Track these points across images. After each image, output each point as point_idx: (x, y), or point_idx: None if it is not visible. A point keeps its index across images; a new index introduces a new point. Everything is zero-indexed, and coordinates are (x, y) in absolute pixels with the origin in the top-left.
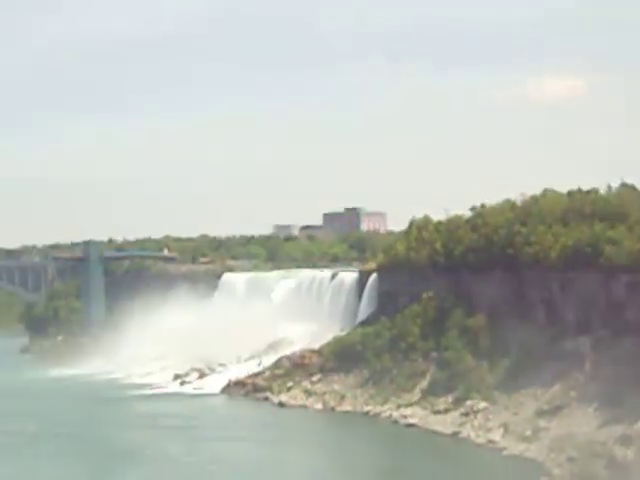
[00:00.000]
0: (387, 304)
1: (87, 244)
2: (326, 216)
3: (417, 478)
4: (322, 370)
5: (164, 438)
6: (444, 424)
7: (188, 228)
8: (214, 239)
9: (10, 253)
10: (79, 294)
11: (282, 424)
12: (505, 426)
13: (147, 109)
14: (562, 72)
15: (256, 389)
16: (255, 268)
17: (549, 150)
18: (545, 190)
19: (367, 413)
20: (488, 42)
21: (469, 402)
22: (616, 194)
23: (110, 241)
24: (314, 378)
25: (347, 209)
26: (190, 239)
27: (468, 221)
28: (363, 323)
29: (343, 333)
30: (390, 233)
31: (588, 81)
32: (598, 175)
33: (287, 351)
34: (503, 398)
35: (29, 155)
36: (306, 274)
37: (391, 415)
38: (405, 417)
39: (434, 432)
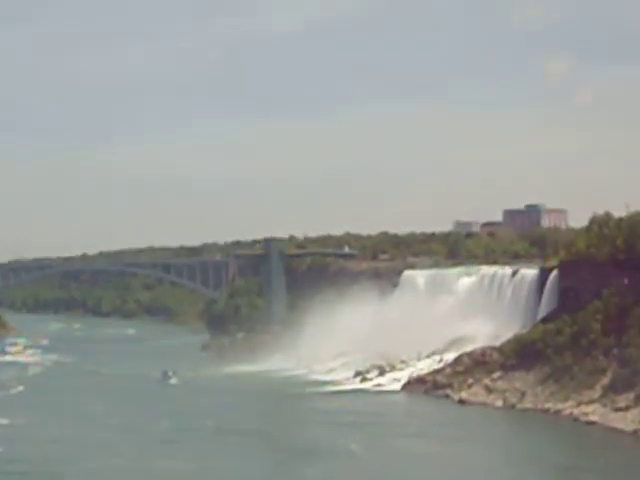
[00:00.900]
0: (568, 301)
1: (268, 241)
2: (507, 213)
3: (599, 476)
4: (503, 367)
5: (345, 434)
6: (625, 422)
7: (368, 225)
8: (394, 236)
9: (192, 251)
10: (260, 291)
11: (462, 421)
12: None
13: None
14: None
15: (436, 386)
16: (436, 265)
17: None
18: None
19: (547, 410)
20: None
21: None
22: None
23: (291, 238)
24: (495, 375)
25: (528, 206)
26: (370, 236)
27: None
28: (544, 320)
29: (524, 330)
30: (571, 230)
31: None
32: None
33: (468, 348)
34: None
35: (212, 154)
36: (487, 271)
37: (571, 412)
38: (585, 414)
39: (614, 430)
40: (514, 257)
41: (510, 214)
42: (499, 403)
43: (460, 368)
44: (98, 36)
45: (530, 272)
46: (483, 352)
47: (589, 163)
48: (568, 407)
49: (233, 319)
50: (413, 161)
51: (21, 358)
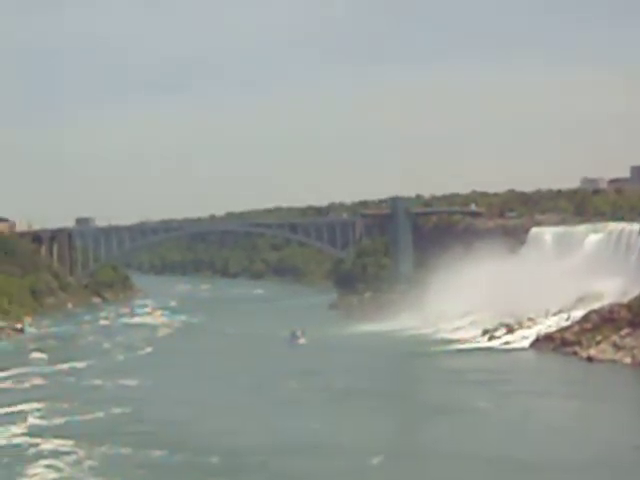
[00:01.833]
0: None
1: (394, 200)
2: (634, 169)
3: None
4: (631, 324)
5: (473, 393)
6: None
7: (495, 183)
8: (521, 194)
9: (319, 211)
10: (387, 251)
11: (590, 379)
12: None
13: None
14: None
15: (564, 343)
16: (563, 222)
17: None
18: None
19: None
20: None
21: None
22: None
23: (417, 197)
24: (623, 332)
25: None
26: (497, 194)
27: None
28: None
29: None
30: None
31: None
32: None
33: (596, 305)
34: None
35: (340, 108)
36: (615, 227)
37: None
38: None
39: None
40: None
41: (638, 170)
42: (628, 360)
43: (588, 325)
44: None
45: None
46: (611, 309)
47: None
48: None
49: (360, 278)
50: (541, 119)
51: (149, 320)
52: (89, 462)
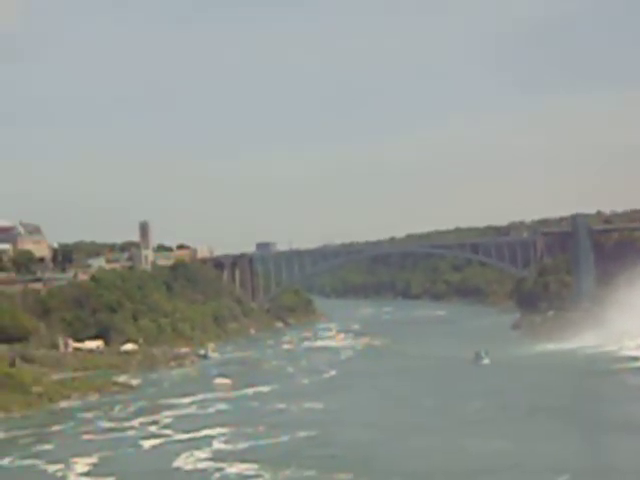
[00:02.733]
0: None
1: (575, 218)
2: None
3: None
4: None
5: None
6: None
7: None
8: None
9: (498, 230)
10: (568, 269)
11: None
12: None
13: None
14: None
15: None
16: None
17: None
18: None
19: None
20: None
21: None
22: None
23: (598, 213)
24: None
25: None
26: None
27: None
28: None
29: None
30: None
31: None
32: None
33: None
34: None
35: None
36: None
37: None
38: None
39: None
40: None
41: None
42: None
43: None
44: None
45: None
46: None
47: None
48: None
49: (543, 297)
50: None
51: (332, 343)
52: None
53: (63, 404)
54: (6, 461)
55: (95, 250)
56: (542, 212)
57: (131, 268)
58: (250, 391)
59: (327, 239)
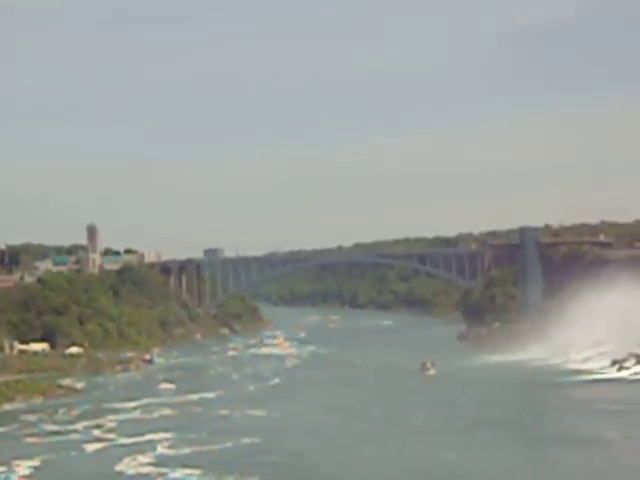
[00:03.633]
0: None
1: (523, 230)
2: None
3: None
4: None
5: (602, 423)
6: None
7: (623, 212)
8: None
9: (447, 241)
10: (515, 281)
11: None
12: None
13: None
14: None
15: None
16: None
17: None
18: None
19: None
20: None
21: None
22: None
23: (546, 227)
24: None
25: None
26: (627, 224)
27: None
28: None
29: None
30: None
31: None
32: None
33: None
34: None
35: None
36: None
37: None
38: None
39: None
40: None
41: None
42: None
43: None
44: None
45: None
46: None
47: None
48: None
49: (489, 309)
50: None
51: (278, 351)
52: None
53: (7, 406)
54: None
55: (42, 252)
56: (490, 224)
57: (78, 271)
58: (195, 397)
59: (276, 246)
